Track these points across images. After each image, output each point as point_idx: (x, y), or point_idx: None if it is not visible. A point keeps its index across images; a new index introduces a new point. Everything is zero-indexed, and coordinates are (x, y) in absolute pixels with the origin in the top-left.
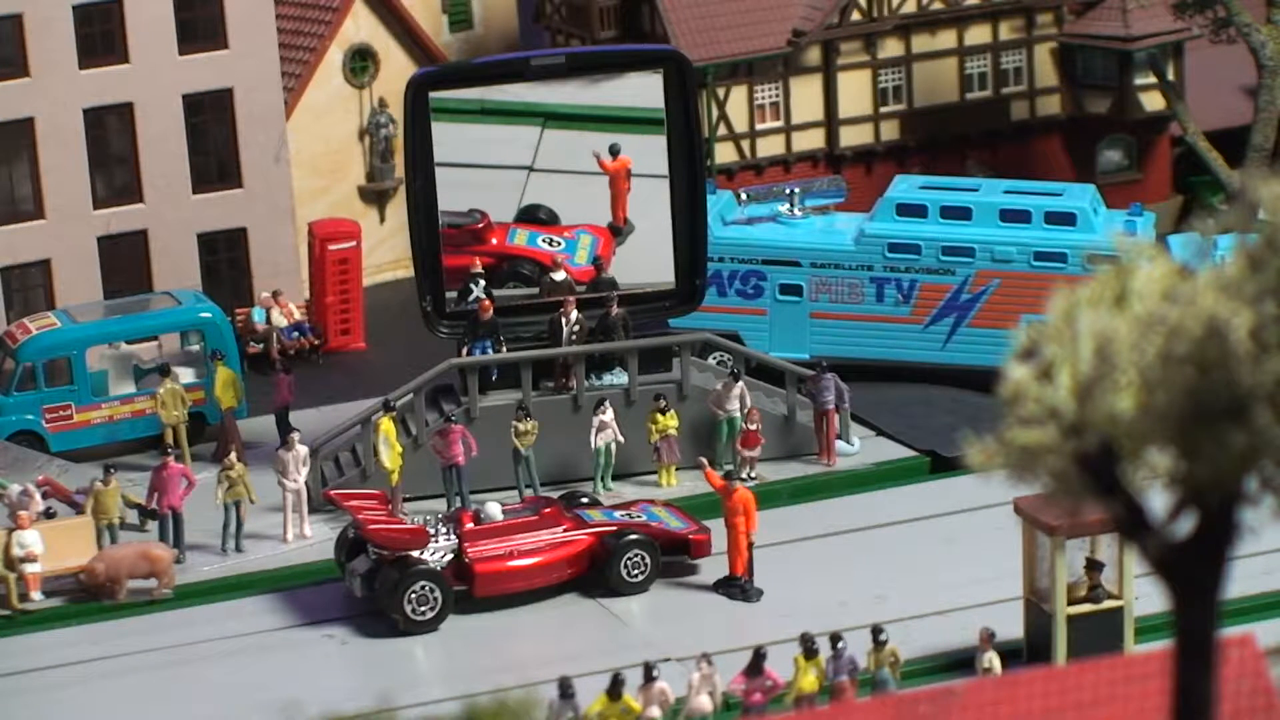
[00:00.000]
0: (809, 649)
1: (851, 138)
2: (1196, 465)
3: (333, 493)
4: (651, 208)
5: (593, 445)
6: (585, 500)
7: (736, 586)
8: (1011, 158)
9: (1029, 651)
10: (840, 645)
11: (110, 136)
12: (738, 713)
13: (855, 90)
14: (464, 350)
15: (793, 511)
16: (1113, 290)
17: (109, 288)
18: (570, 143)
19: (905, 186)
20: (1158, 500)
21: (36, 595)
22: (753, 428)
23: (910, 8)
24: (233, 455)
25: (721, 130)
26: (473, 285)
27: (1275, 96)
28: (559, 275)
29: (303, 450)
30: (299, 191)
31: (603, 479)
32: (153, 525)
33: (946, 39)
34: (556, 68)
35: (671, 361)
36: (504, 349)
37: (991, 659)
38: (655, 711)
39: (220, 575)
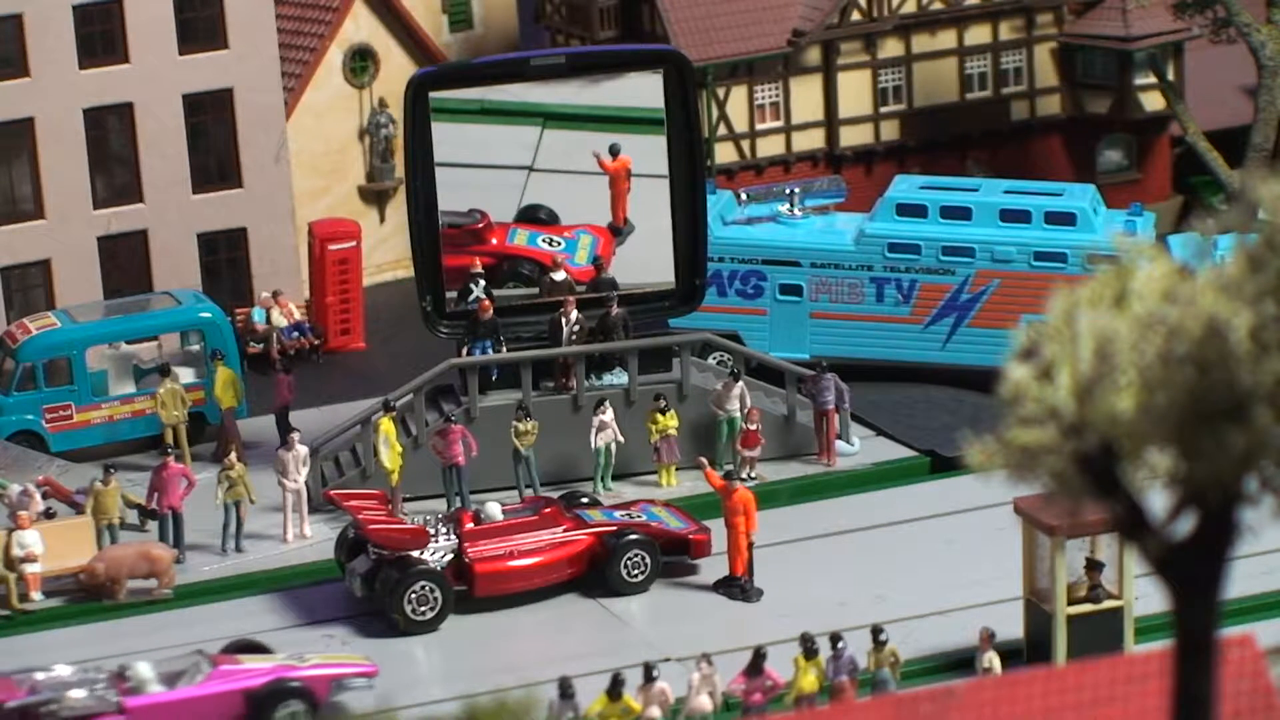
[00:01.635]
0: (809, 649)
1: (851, 138)
2: (1196, 465)
3: (333, 493)
4: (651, 208)
5: (593, 445)
6: (585, 500)
7: (736, 586)
8: (1011, 158)
9: (1029, 651)
10: (840, 645)
11: (110, 136)
12: (738, 713)
13: (855, 90)
14: (464, 350)
15: (793, 511)
16: (1113, 290)
17: (109, 288)
18: (570, 143)
19: (905, 186)
20: (1158, 500)
21: (36, 595)
22: (753, 428)
23: (910, 8)
24: (233, 455)
25: (721, 130)
26: (473, 285)
27: (1275, 96)
28: (559, 275)
29: (303, 450)
30: (299, 191)
31: (603, 479)
32: (153, 525)
33: (946, 39)
34: (556, 68)
35: (671, 361)
36: (504, 349)
37: (991, 659)
38: (655, 711)
39: (220, 575)
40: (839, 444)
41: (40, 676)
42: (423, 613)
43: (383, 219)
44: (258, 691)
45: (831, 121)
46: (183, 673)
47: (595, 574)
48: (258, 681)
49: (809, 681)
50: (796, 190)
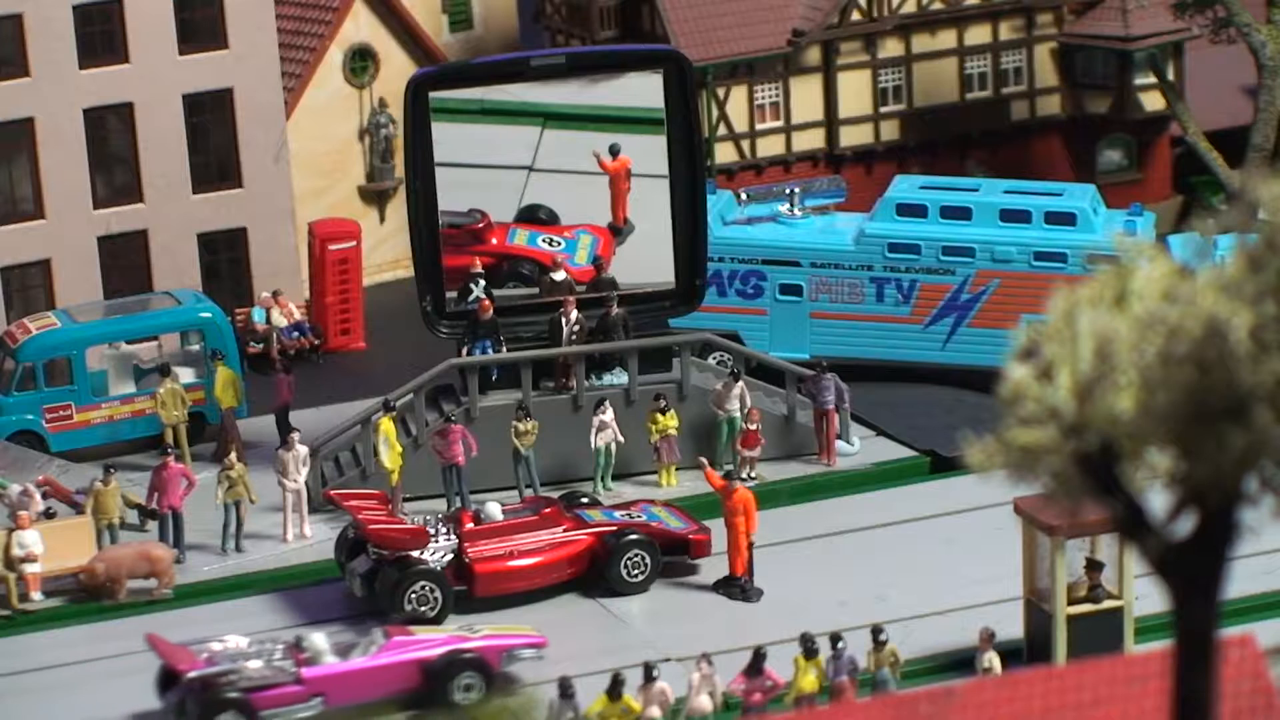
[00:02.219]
0: (809, 649)
1: (851, 138)
2: (1196, 465)
3: (333, 493)
4: (651, 208)
5: (593, 445)
6: (585, 500)
7: (736, 586)
8: (1011, 158)
9: (1029, 651)
10: (840, 645)
11: (110, 136)
12: (738, 713)
13: (855, 90)
14: (464, 350)
15: (793, 511)
16: (1113, 290)
17: (109, 288)
18: (570, 143)
19: (905, 186)
20: (1158, 500)
21: (36, 595)
22: (753, 428)
23: (910, 8)
24: (233, 455)
25: (721, 130)
26: (473, 285)
27: (1275, 96)
28: (559, 275)
29: (303, 450)
30: (299, 191)
31: (603, 479)
32: (153, 525)
33: (946, 39)
34: (556, 68)
35: (671, 361)
36: (504, 349)
37: (991, 659)
38: (655, 711)
39: (220, 575)
40: (839, 444)
41: (217, 647)
42: (423, 613)
43: (383, 219)
44: (433, 663)
45: (831, 121)
46: (357, 644)
47: (595, 574)
48: (433, 652)
49: (809, 681)
50: (796, 190)
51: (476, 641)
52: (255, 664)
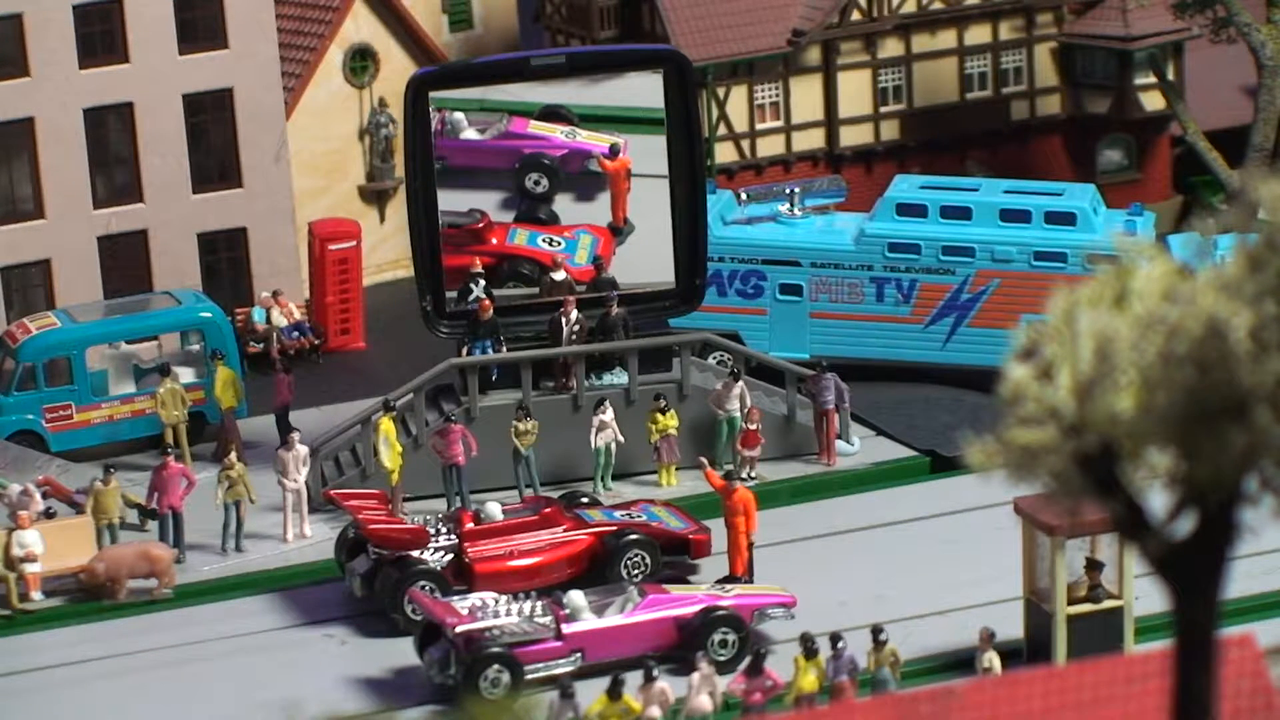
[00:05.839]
0: (809, 649)
1: (851, 138)
2: (1196, 465)
3: (333, 493)
4: (651, 208)
5: (593, 445)
6: (585, 500)
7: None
8: (1011, 158)
9: (1029, 651)
10: (840, 645)
11: (110, 136)
12: (738, 713)
13: (855, 90)
14: (464, 350)
15: (793, 511)
16: (1113, 290)
17: (109, 288)
18: None
19: (905, 186)
20: (1158, 500)
21: (36, 595)
22: (753, 427)
23: (910, 8)
24: (233, 455)
25: (721, 130)
26: (473, 285)
27: (1275, 96)
28: (559, 275)
29: (303, 450)
30: (299, 191)
31: (603, 479)
32: (153, 525)
33: (946, 39)
34: (556, 67)
35: (671, 361)
36: (504, 349)
37: (991, 659)
38: (655, 711)
39: (220, 575)
40: (839, 444)
41: (478, 602)
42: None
43: (383, 219)
44: (690, 619)
45: (831, 121)
46: (614, 601)
47: (595, 574)
48: (689, 609)
49: (809, 681)
50: (796, 190)
51: (730, 600)
52: (517, 620)
